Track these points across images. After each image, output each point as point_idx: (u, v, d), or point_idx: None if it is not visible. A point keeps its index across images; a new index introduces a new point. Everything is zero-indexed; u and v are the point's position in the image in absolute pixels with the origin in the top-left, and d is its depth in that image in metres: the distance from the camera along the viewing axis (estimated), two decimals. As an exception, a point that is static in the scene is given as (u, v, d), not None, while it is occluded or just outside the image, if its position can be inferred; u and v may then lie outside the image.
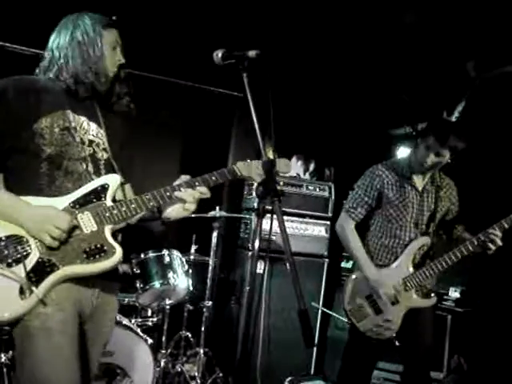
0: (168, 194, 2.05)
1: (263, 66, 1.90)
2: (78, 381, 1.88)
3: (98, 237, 1.92)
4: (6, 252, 1.81)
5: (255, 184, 4.66)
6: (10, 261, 1.80)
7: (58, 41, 2.07)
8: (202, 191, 2.11)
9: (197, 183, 2.11)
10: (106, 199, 1.98)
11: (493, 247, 2.97)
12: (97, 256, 1.90)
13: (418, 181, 3.19)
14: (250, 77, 1.94)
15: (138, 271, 3.94)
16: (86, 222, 1.92)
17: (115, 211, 1.96)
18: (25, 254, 1.83)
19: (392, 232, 3.16)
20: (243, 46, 2.16)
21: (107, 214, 1.95)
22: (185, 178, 2.13)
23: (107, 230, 1.95)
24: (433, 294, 3.14)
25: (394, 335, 3.13)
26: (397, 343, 3.33)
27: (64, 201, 1.93)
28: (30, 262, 1.82)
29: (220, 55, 2.01)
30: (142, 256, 3.99)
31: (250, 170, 2.20)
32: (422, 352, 3.12)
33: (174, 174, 5.47)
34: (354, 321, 3.13)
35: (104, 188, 2.00)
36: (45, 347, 1.82)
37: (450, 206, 3.26)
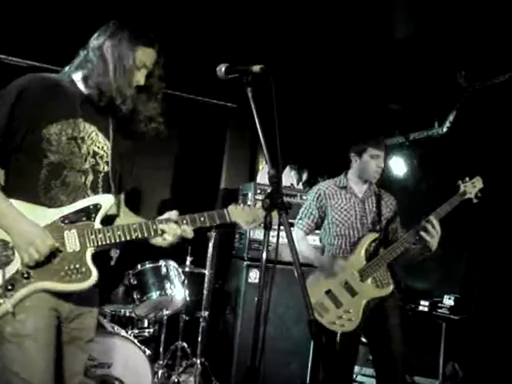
0: (154, 227, 2.07)
1: (267, 80, 1.92)
2: (51, 382, 1.91)
3: (79, 258, 1.95)
4: None
5: (250, 194, 4.74)
6: None
7: (95, 42, 2.07)
8: (186, 230, 2.12)
9: (185, 221, 2.12)
10: (95, 220, 2.00)
11: (434, 232, 3.09)
12: (73, 276, 1.92)
13: (357, 189, 3.50)
14: (254, 91, 1.96)
15: (135, 282, 3.94)
16: (71, 240, 1.95)
17: (100, 235, 1.99)
18: (7, 261, 1.86)
19: (341, 233, 3.39)
20: (237, 58, 2.19)
21: (92, 237, 1.97)
22: (174, 213, 2.14)
23: (88, 253, 1.97)
24: (390, 284, 3.30)
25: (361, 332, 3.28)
26: (363, 340, 3.49)
27: (56, 213, 1.96)
28: (10, 270, 1.86)
29: (223, 69, 2.04)
30: (139, 267, 3.99)
31: (241, 216, 2.19)
32: (394, 355, 3.20)
33: (167, 184, 5.50)
34: (318, 317, 3.22)
35: (96, 208, 2.02)
36: (16, 353, 1.85)
37: (393, 215, 3.48)
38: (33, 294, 1.89)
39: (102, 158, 2.10)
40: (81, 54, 2.10)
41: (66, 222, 1.96)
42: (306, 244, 3.50)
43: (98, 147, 2.09)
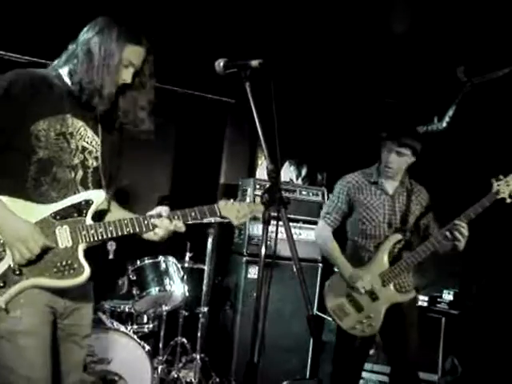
0: (146, 222, 2.07)
1: (266, 75, 1.91)
2: (49, 379, 1.93)
3: (71, 254, 1.95)
4: None
5: (249, 190, 4.74)
6: None
7: (83, 37, 2.05)
8: (178, 225, 2.12)
9: (176, 217, 2.12)
10: (86, 216, 2.01)
11: (460, 238, 3.01)
12: (66, 273, 1.93)
13: (388, 185, 3.34)
14: (252, 86, 1.95)
15: (134, 278, 3.95)
16: (63, 236, 1.95)
17: (92, 231, 1.99)
18: None
19: (367, 232, 3.27)
20: (235, 52, 2.18)
21: (84, 233, 1.98)
22: (165, 209, 2.15)
23: (80, 248, 1.97)
24: (413, 290, 3.24)
25: (377, 335, 3.24)
26: (377, 340, 3.44)
27: (47, 209, 1.96)
28: (1, 267, 1.86)
29: (222, 64, 2.03)
30: (138, 263, 4.00)
31: (231, 211, 2.19)
32: (408, 354, 3.19)
33: (166, 179, 5.50)
34: (337, 320, 3.20)
35: (87, 204, 2.03)
36: (13, 350, 1.86)
37: (423, 211, 3.35)
38: (25, 290, 1.89)
39: (90, 153, 2.10)
40: (69, 49, 2.09)
41: (58, 217, 1.96)
42: (333, 244, 3.35)
43: (87, 142, 2.09)
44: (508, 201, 3.03)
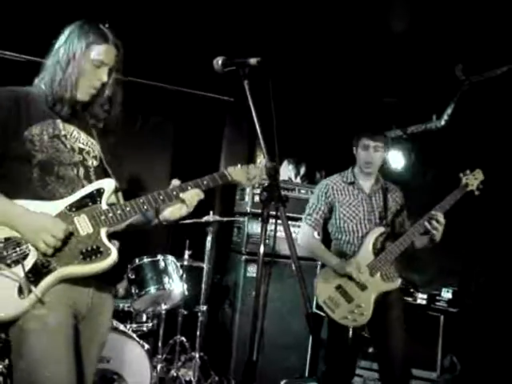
0: (161, 197, 2.10)
1: (264, 73, 1.92)
2: (74, 380, 1.90)
3: (94, 238, 1.96)
4: (5, 253, 1.84)
5: (247, 188, 4.74)
6: (9, 261, 1.83)
7: (54, 48, 2.08)
8: (198, 193, 2.16)
9: (189, 187, 2.15)
10: (101, 203, 2.02)
11: (438, 226, 3.14)
12: (93, 257, 1.94)
13: (364, 184, 3.51)
14: (250, 84, 1.95)
15: (133, 277, 3.95)
16: (83, 224, 1.96)
17: (110, 214, 2.01)
18: (23, 255, 1.86)
19: (349, 228, 3.42)
20: (233, 51, 2.18)
21: (103, 217, 1.99)
22: (176, 182, 2.18)
23: (103, 232, 1.99)
24: (398, 278, 3.35)
25: (366, 328, 3.35)
26: (366, 335, 3.52)
27: (60, 204, 1.97)
28: (29, 263, 1.85)
29: (220, 62, 2.03)
30: (137, 261, 4.00)
31: (240, 174, 2.25)
32: (394, 346, 3.24)
33: (165, 178, 5.52)
34: (330, 312, 3.25)
35: (99, 192, 2.04)
36: (40, 348, 1.84)
37: (398, 208, 3.52)
38: (57, 281, 1.89)
39: (88, 153, 2.12)
40: (45, 63, 2.11)
41: (73, 209, 1.97)
42: (316, 241, 3.54)
43: (83, 143, 2.11)
44: (476, 193, 3.32)
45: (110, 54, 2.09)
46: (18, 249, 1.86)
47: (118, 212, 2.01)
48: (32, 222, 1.87)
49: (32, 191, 1.95)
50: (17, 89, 2.05)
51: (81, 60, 2.03)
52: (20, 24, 4.07)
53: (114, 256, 1.97)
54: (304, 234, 3.52)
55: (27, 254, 1.86)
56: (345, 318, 3.21)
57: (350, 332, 3.22)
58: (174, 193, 2.12)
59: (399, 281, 3.34)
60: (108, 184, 2.08)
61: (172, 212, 2.18)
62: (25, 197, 1.93)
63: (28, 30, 4.07)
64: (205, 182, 2.19)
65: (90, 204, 2.00)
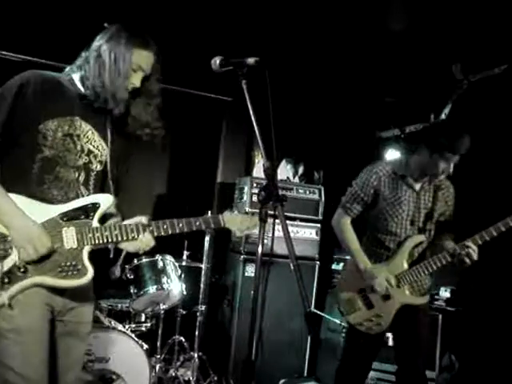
0: (151, 228, 2.10)
1: (262, 73, 1.92)
2: (46, 377, 1.95)
3: (76, 255, 1.98)
4: None
5: (246, 188, 4.74)
6: None
7: (95, 45, 2.11)
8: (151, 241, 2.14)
9: (180, 225, 2.16)
10: (93, 219, 2.04)
11: (468, 261, 2.96)
12: (69, 273, 1.96)
13: (416, 181, 3.18)
14: (249, 84, 1.96)
15: (132, 277, 3.94)
16: (69, 237, 1.98)
17: (97, 234, 2.02)
18: (4, 254, 1.89)
19: (388, 229, 3.15)
20: (231, 50, 2.19)
21: (90, 235, 2.01)
22: (144, 218, 2.16)
23: (85, 251, 2.00)
24: (427, 294, 3.17)
25: (388, 335, 3.17)
26: (390, 343, 3.37)
27: (55, 210, 1.99)
28: (7, 264, 1.89)
29: (218, 62, 2.04)
30: (136, 261, 3.99)
31: (234, 222, 2.27)
32: (419, 354, 3.13)
33: (163, 178, 5.49)
34: (344, 312, 3.14)
35: (95, 207, 2.06)
36: (11, 348, 1.88)
37: (444, 208, 3.23)
38: (29, 287, 1.91)
39: (95, 156, 2.14)
40: (82, 55, 2.14)
41: (65, 219, 1.99)
42: (352, 234, 3.22)
43: (93, 146, 2.13)
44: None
45: (149, 60, 2.15)
46: (1, 247, 1.89)
47: (106, 234, 2.03)
48: (22, 228, 1.90)
49: (27, 186, 1.98)
50: (47, 76, 2.07)
51: (123, 60, 2.06)
52: (20, 24, 4.06)
53: (89, 276, 1.99)
54: (340, 221, 3.26)
55: (9, 254, 1.90)
56: (360, 324, 3.08)
57: (364, 338, 3.11)
58: (151, 228, 2.11)
59: (428, 297, 3.16)
60: (105, 200, 2.09)
61: (134, 245, 2.15)
62: (19, 190, 1.95)
63: (28, 30, 4.06)
64: (197, 223, 2.20)
65: (82, 217, 2.02)
